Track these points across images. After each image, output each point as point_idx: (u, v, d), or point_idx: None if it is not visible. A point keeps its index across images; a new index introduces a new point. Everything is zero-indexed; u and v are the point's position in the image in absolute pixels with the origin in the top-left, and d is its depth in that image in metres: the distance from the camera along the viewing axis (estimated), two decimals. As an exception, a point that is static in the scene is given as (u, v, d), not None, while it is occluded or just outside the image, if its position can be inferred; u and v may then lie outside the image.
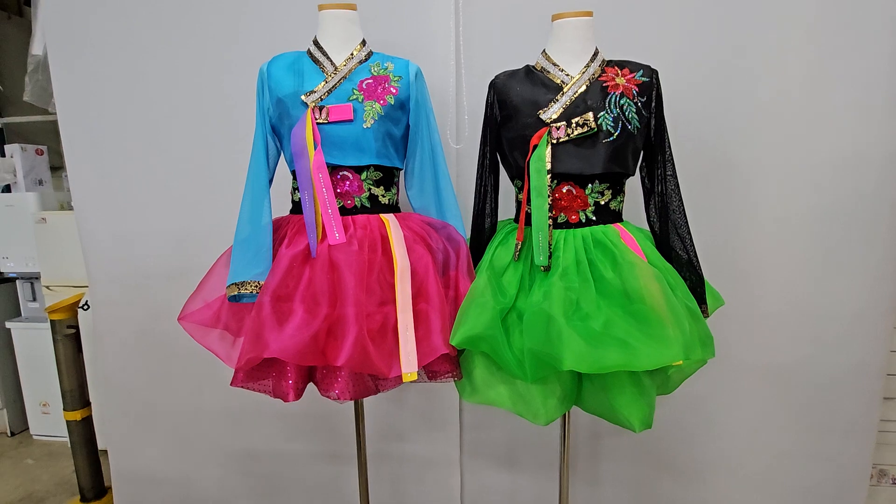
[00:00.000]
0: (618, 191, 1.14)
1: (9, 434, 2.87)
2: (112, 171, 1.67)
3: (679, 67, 1.40)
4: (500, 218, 1.31)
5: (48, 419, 2.77)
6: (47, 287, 2.56)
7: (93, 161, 1.67)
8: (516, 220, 1.24)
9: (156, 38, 1.59)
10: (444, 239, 1.21)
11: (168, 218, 1.68)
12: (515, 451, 1.71)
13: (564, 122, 1.08)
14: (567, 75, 1.13)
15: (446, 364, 1.14)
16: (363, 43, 1.21)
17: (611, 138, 1.08)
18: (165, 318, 1.54)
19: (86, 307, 2.06)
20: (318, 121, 1.11)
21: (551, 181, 1.08)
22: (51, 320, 2.05)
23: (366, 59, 1.19)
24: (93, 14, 1.59)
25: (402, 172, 1.27)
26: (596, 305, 1.00)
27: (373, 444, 1.70)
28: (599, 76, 1.12)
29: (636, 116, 1.09)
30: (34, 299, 2.80)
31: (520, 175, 1.16)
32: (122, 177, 1.68)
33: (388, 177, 1.20)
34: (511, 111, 1.15)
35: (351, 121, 1.11)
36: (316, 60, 1.17)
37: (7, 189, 2.72)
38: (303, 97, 1.12)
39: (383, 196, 1.19)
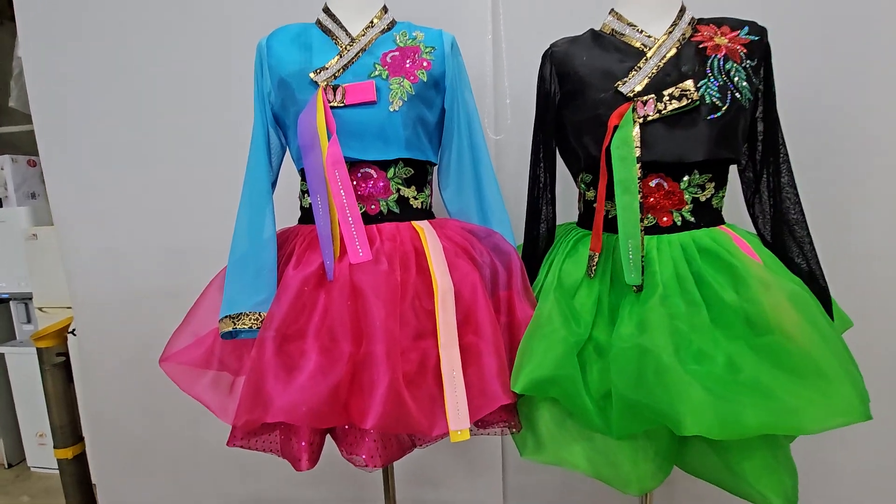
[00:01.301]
0: (721, 183, 0.88)
1: (6, 466, 2.68)
2: (94, 182, 1.47)
3: (783, 28, 1.12)
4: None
5: (45, 450, 2.56)
6: (40, 309, 2.36)
7: (73, 171, 1.48)
8: (582, 223, 0.98)
9: (138, 29, 1.38)
10: (490, 250, 0.96)
11: (158, 231, 1.46)
12: (568, 499, 1.45)
13: (653, 96, 0.82)
14: (648, 37, 0.88)
15: (501, 412, 0.89)
16: (384, 9, 0.96)
17: (717, 113, 0.82)
18: (158, 344, 1.32)
19: (75, 332, 1.84)
20: (333, 104, 0.86)
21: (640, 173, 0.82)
22: (37, 348, 1.84)
23: (389, 29, 0.95)
24: (71, 17, 1.38)
25: (435, 168, 1.03)
26: (712, 339, 0.74)
27: (403, 490, 1.45)
28: (691, 36, 0.87)
29: (746, 85, 0.83)
30: (29, 321, 2.60)
31: (591, 167, 0.91)
32: (105, 187, 1.47)
33: (420, 174, 0.95)
34: (577, 86, 0.89)
35: (374, 103, 0.87)
36: (327, 31, 0.93)
37: (-2, 204, 2.53)
38: (311, 75, 0.88)
39: (415, 198, 0.94)
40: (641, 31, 0.89)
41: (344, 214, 0.81)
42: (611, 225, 0.88)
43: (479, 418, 0.82)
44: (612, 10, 0.94)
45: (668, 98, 0.82)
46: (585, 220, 0.97)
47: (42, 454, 2.57)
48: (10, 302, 2.58)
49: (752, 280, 0.75)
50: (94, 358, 1.58)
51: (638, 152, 0.80)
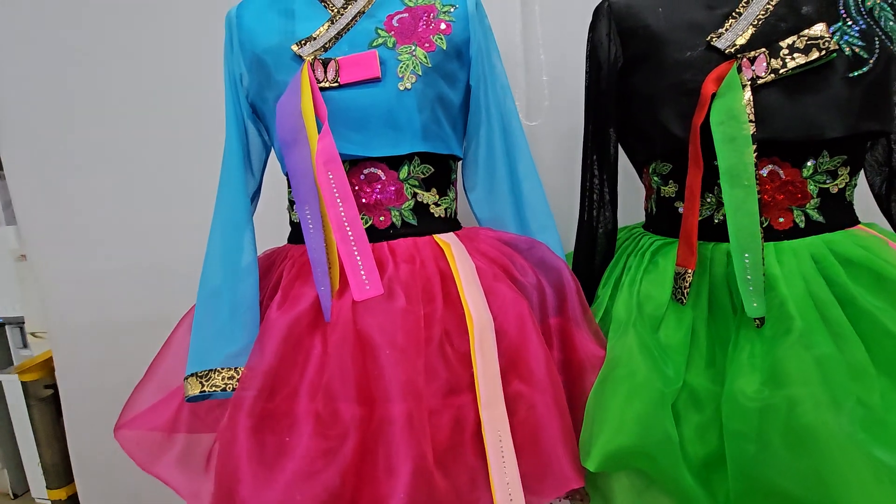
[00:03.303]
0: (857, 167, 0.64)
1: (11, 496, 2.55)
2: (67, 198, 1.28)
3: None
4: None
5: (49, 483, 2.42)
6: (33, 334, 2.21)
7: (42, 185, 1.28)
8: (653, 227, 0.75)
9: (109, 22, 1.18)
10: (535, 266, 0.74)
11: (141, 251, 1.26)
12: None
13: (764, 50, 0.59)
14: (746, -28, 0.64)
15: (563, 483, 0.66)
16: (388, -39, 0.74)
17: (863, 69, 0.58)
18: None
19: (61, 364, 1.67)
20: (323, 84, 0.65)
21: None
22: (21, 382, 1.68)
23: (394, -15, 0.73)
24: (31, 20, 1.20)
25: (460, 164, 0.80)
26: (880, 394, 0.51)
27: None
28: (808, -34, 0.63)
29: (896, 27, 0.59)
30: (25, 346, 2.46)
31: (671, 153, 0.68)
32: (79, 203, 1.27)
33: (441, 172, 0.73)
34: (649, 46, 0.67)
35: (378, 80, 0.65)
36: (314, -9, 0.72)
37: (-15, 223, 2.38)
38: (294, 48, 0.66)
39: (436, 205, 0.72)
40: (735, -35, 0.65)
41: (342, 232, 0.59)
42: (705, 230, 0.65)
43: (539, 506, 0.59)
44: (688, -57, 0.71)
45: (787, 51, 0.58)
46: (658, 223, 0.74)
47: (45, 485, 2.44)
48: (5, 326, 2.44)
49: None
50: (73, 399, 1.40)
51: (752, 128, 0.57)
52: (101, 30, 1.20)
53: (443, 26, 0.69)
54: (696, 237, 0.62)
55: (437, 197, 0.72)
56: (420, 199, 0.70)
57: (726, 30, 0.62)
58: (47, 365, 1.67)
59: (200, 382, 0.62)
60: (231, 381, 0.62)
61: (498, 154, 0.78)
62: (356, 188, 0.67)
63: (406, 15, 0.69)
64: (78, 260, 1.32)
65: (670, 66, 0.64)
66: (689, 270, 0.62)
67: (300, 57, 0.66)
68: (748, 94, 0.57)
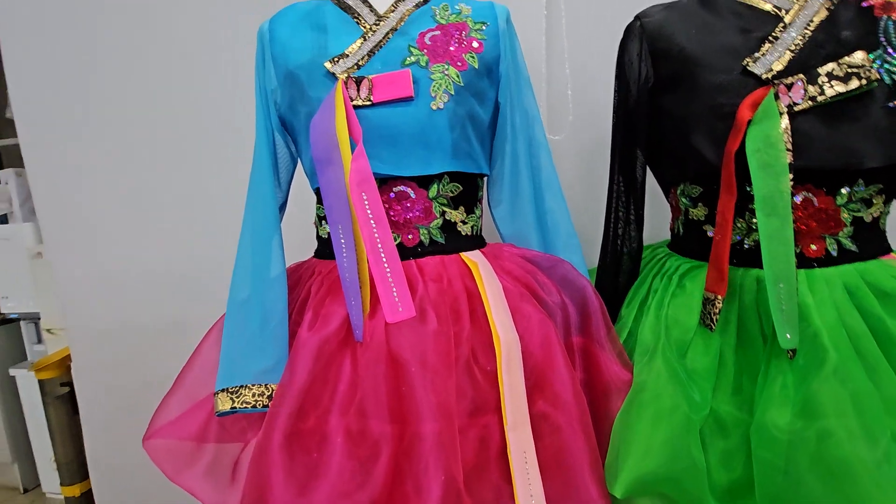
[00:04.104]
0: (891, 196, 0.64)
1: (21, 491, 2.58)
2: (87, 198, 1.28)
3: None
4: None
5: (59, 477, 2.44)
6: (48, 331, 2.23)
7: (63, 186, 1.29)
8: (679, 248, 0.75)
9: (132, 26, 1.19)
10: (558, 283, 0.74)
11: (161, 253, 1.27)
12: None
13: (802, 76, 0.59)
14: (784, -4, 0.64)
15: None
16: (418, -23, 0.74)
17: (903, 98, 0.58)
18: (160, 387, 1.14)
19: (77, 363, 1.69)
20: (356, 102, 0.65)
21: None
22: (39, 380, 1.70)
23: (425, 2, 0.73)
24: (53, 22, 1.20)
25: (486, 180, 0.80)
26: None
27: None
28: (846, -8, 0.63)
29: (937, 57, 0.59)
30: (40, 341, 2.49)
31: (702, 177, 0.67)
32: (98, 204, 1.29)
33: (469, 190, 0.73)
34: (682, 67, 0.66)
35: (411, 99, 0.65)
36: (346, 7, 0.72)
37: (3, 220, 2.41)
38: (327, 65, 0.66)
39: (464, 222, 0.72)
40: (771, -11, 0.65)
41: (376, 254, 0.59)
42: (735, 255, 0.65)
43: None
44: (722, -37, 0.70)
45: (825, 79, 0.58)
46: (686, 245, 0.73)
47: (57, 479, 2.46)
48: (20, 322, 2.47)
49: None
50: (90, 399, 1.42)
51: (789, 157, 0.56)
52: (124, 29, 1.20)
53: (475, 45, 0.69)
54: (727, 264, 0.61)
55: (465, 215, 0.72)
56: (448, 218, 0.70)
57: (763, 54, 0.61)
58: (63, 363, 1.69)
59: (231, 398, 0.63)
60: (261, 398, 0.62)
61: (523, 170, 0.78)
62: (385, 206, 0.67)
63: (438, 33, 0.69)
64: (95, 261, 1.33)
65: (704, 89, 0.64)
66: (719, 297, 0.62)
67: (333, 75, 0.66)
68: (785, 121, 0.57)
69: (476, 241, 0.75)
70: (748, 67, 0.61)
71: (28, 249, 2.22)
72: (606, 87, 0.80)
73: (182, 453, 0.70)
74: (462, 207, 0.72)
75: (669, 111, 0.69)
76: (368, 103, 0.65)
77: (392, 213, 0.68)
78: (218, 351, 0.70)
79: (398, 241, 0.68)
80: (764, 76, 0.60)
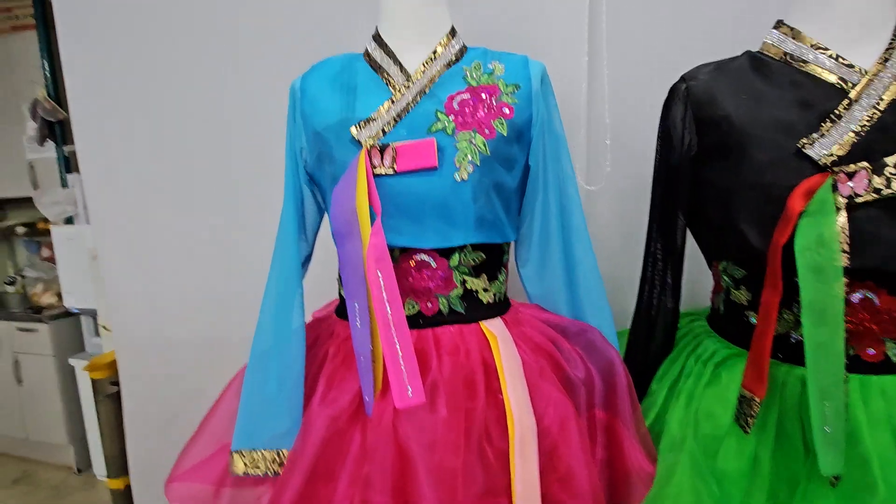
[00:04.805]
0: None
1: (76, 471, 2.79)
2: (139, 217, 1.35)
3: None
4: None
5: (110, 462, 2.62)
6: (104, 327, 2.39)
7: (116, 206, 1.36)
8: (718, 327, 0.69)
9: (195, 52, 1.21)
10: (584, 350, 0.70)
11: (202, 270, 1.32)
12: None
13: (866, 165, 0.53)
14: (850, 67, 0.58)
15: None
16: (452, 32, 0.72)
17: None
18: (202, 400, 1.18)
19: (125, 366, 1.79)
20: (379, 171, 0.64)
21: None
22: (92, 380, 1.81)
23: (457, 60, 0.71)
24: (111, 32, 1.25)
25: (513, 243, 0.78)
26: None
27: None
28: (925, 65, 0.55)
29: None
30: (97, 334, 2.67)
31: (746, 261, 0.62)
32: (150, 225, 1.35)
33: (493, 259, 0.70)
34: (729, 139, 0.61)
35: (434, 169, 0.63)
36: (377, 67, 0.71)
37: (70, 221, 2.60)
38: (352, 130, 0.66)
39: (485, 290, 0.70)
40: (837, 58, 0.59)
41: (388, 334, 0.58)
42: (779, 348, 0.59)
43: None
44: (782, 22, 0.64)
45: (894, 169, 0.51)
46: (725, 326, 0.68)
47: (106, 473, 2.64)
48: (80, 316, 2.65)
49: None
50: (136, 400, 1.50)
51: (844, 259, 0.51)
52: (184, 41, 1.21)
53: (505, 110, 0.67)
54: (767, 362, 0.56)
55: (487, 283, 0.70)
56: (469, 287, 0.68)
57: (822, 135, 0.55)
58: (115, 364, 1.79)
59: (244, 462, 0.64)
60: (273, 465, 0.63)
61: (553, 230, 0.74)
62: (403, 274, 0.66)
63: (468, 96, 0.67)
64: (142, 269, 1.38)
65: (752, 166, 0.59)
66: (757, 398, 0.57)
67: (357, 141, 0.65)
68: (843, 217, 0.51)
69: (498, 308, 0.72)
70: (804, 149, 0.55)
71: (89, 250, 2.37)
72: (648, 139, 0.75)
73: (201, 498, 0.72)
74: (484, 276, 0.69)
75: (713, 182, 0.64)
76: (391, 172, 0.64)
77: (411, 280, 0.67)
78: (237, 401, 0.72)
79: (417, 310, 0.67)
80: (822, 161, 0.54)
